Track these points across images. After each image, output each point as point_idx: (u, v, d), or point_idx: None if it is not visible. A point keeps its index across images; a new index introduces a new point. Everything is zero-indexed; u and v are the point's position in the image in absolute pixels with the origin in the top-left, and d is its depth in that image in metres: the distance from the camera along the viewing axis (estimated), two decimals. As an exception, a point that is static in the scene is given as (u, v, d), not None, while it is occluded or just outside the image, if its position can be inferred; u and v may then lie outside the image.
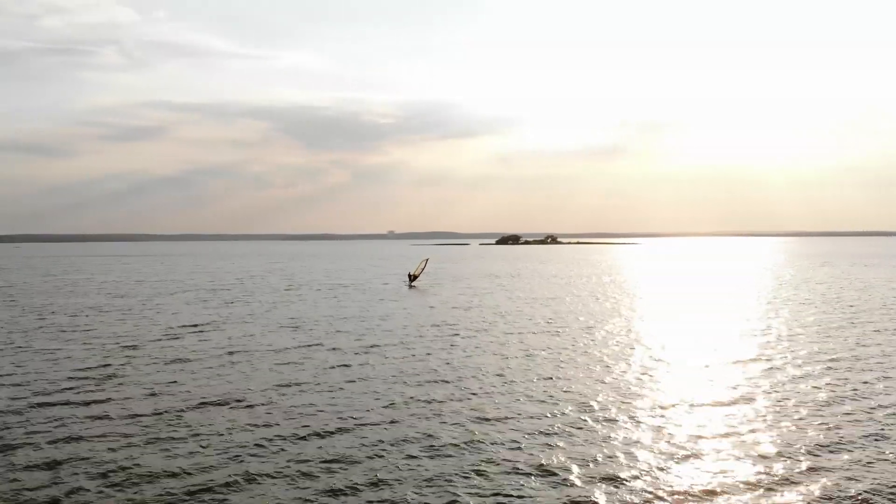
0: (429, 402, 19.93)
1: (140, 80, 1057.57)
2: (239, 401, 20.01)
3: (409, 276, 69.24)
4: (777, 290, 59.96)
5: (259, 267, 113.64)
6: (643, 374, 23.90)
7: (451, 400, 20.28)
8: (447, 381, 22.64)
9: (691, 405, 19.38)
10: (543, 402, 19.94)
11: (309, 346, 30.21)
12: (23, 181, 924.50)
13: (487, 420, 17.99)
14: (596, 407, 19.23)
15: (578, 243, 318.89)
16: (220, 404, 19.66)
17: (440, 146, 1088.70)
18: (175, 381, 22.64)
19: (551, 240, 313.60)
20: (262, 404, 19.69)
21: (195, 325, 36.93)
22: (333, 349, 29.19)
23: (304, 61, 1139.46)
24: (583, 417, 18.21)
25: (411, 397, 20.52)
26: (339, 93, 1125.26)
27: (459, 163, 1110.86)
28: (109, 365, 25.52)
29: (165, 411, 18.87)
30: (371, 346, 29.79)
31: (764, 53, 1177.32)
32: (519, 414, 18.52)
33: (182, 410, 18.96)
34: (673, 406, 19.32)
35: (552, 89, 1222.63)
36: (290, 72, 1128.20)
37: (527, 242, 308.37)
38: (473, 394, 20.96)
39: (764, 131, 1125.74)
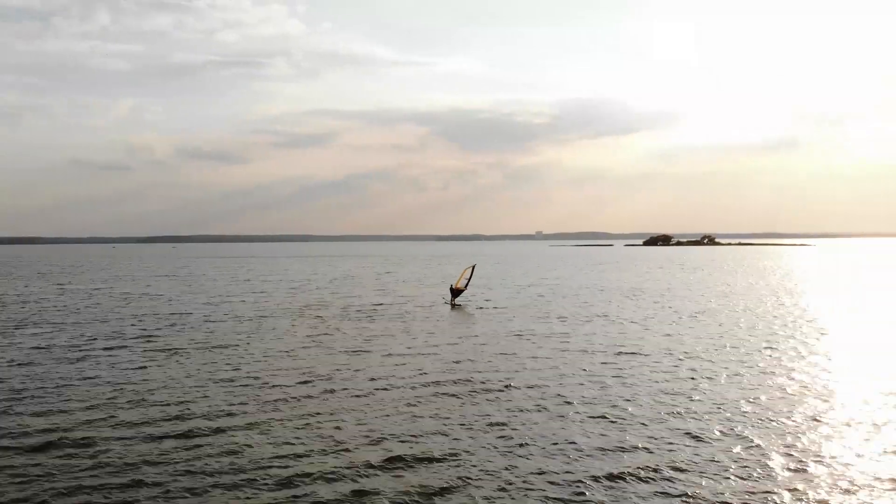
0: None
1: (307, 89, 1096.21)
2: None
3: (451, 290, 46.66)
4: None
5: (346, 269, 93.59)
6: None
7: None
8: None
9: None
10: None
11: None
12: (204, 186, 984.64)
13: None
14: None
15: (740, 244, 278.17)
16: None
17: (595, 144, 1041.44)
18: None
19: (708, 240, 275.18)
20: None
21: None
22: None
23: (462, 65, 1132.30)
24: None
25: None
26: (494, 94, 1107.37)
27: (615, 160, 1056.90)
28: None
29: None
30: None
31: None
32: None
33: None
34: None
35: (719, 81, 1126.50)
36: (448, 76, 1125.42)
37: (679, 243, 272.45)
38: None
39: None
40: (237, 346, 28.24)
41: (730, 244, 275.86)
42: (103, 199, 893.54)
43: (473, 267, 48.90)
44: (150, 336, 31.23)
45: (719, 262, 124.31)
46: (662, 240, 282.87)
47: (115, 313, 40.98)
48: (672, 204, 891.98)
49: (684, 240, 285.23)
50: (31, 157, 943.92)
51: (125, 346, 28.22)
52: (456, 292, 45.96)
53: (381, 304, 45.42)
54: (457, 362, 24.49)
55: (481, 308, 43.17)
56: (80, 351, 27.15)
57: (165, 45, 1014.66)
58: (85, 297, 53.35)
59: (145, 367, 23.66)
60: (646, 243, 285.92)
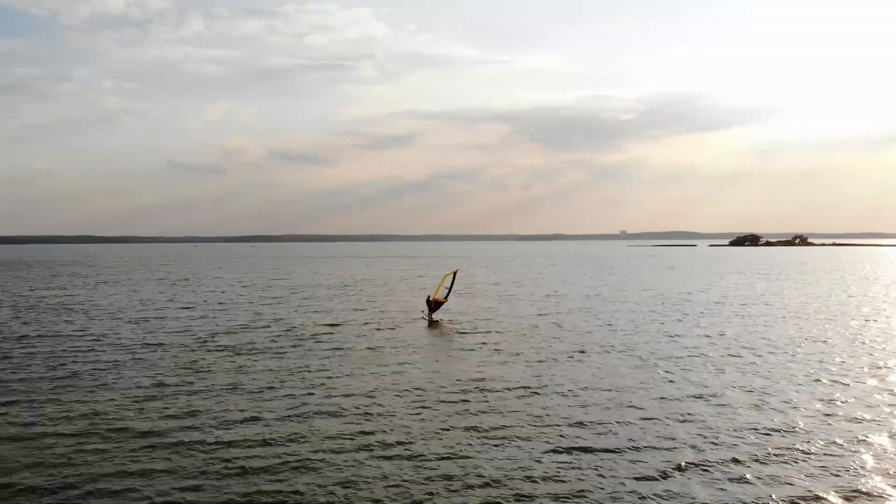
0: None
1: (392, 91, 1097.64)
2: None
3: (428, 302, 36.75)
4: None
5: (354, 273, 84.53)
6: None
7: None
8: None
9: None
10: None
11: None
12: (293, 187, 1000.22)
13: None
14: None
15: (835, 245, 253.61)
16: None
17: (685, 140, 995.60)
18: None
19: (800, 240, 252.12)
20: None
21: None
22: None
23: (547, 62, 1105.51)
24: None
25: None
26: (579, 91, 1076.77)
27: (706, 157, 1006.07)
28: None
29: None
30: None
31: None
32: None
33: None
34: None
35: (821, 74, 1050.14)
36: (532, 74, 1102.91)
37: (768, 243, 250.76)
38: None
39: None
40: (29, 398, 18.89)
41: (823, 244, 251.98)
42: (198, 201, 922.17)
43: (455, 273, 38.52)
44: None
45: (809, 265, 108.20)
46: (750, 240, 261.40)
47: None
48: (766, 202, 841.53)
49: (774, 240, 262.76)
50: (130, 160, 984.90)
51: None
52: (435, 305, 35.97)
53: (344, 323, 35.46)
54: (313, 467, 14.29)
55: (462, 327, 32.77)
56: None
57: (256, 49, 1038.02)
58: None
59: None
60: (732, 243, 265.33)
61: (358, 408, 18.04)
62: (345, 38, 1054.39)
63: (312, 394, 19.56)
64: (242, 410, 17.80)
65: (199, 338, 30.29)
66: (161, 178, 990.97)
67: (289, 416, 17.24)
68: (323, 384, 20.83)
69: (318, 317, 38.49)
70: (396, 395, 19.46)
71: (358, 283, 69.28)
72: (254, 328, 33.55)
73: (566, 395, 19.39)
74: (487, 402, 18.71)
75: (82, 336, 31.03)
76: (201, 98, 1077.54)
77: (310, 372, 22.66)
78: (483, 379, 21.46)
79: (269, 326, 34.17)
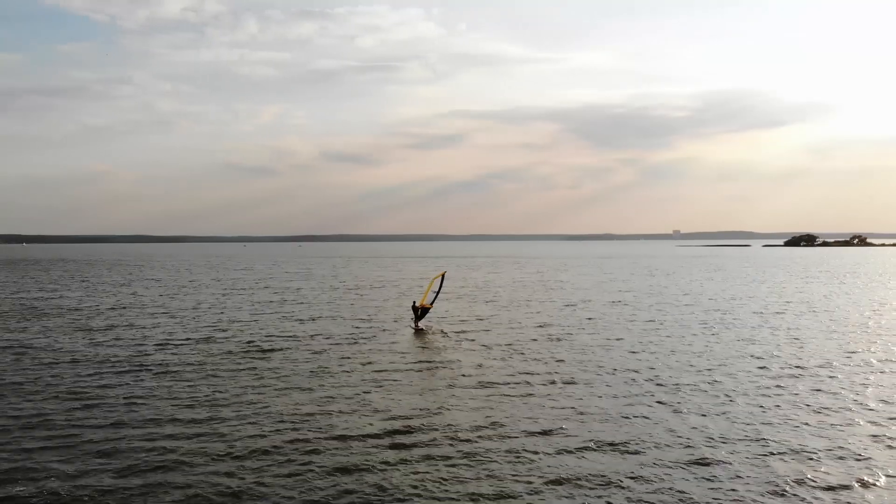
0: None
1: (442, 91, 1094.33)
2: None
3: (414, 308, 32.64)
4: None
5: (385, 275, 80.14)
6: None
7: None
8: None
9: None
10: None
11: None
12: (343, 188, 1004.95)
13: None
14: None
15: (895, 245, 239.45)
16: None
17: (740, 138, 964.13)
18: None
19: (858, 240, 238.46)
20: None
21: None
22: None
23: (597, 59, 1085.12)
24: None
25: None
26: (630, 89, 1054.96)
27: (761, 156, 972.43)
28: None
29: None
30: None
31: None
32: None
33: None
34: None
35: (880, 70, 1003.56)
36: (582, 71, 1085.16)
37: (825, 243, 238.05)
38: None
39: None
40: None
41: (883, 245, 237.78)
42: (250, 201, 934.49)
43: (443, 275, 33.97)
44: None
45: (870, 266, 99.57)
46: (806, 240, 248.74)
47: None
48: (824, 201, 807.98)
49: (831, 240, 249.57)
50: (185, 162, 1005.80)
51: None
52: (421, 312, 32.10)
53: (319, 333, 30.99)
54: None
55: (448, 340, 27.99)
56: None
57: (309, 51, 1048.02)
58: None
59: None
60: (787, 243, 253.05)
61: (235, 465, 13.44)
62: (395, 39, 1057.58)
63: (205, 432, 15.05)
64: (84, 465, 13.39)
65: (141, 351, 26.21)
66: (215, 179, 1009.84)
67: (134, 484, 12.70)
68: (231, 415, 16.32)
69: (298, 325, 34.14)
70: (320, 435, 14.81)
71: (372, 284, 64.95)
72: (215, 339, 29.31)
73: (544, 450, 14.44)
74: (428, 456, 13.91)
75: (18, 346, 27.33)
76: (254, 100, 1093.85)
77: (219, 404, 18.17)
78: (433, 418, 16.61)
79: (234, 337, 29.95)
